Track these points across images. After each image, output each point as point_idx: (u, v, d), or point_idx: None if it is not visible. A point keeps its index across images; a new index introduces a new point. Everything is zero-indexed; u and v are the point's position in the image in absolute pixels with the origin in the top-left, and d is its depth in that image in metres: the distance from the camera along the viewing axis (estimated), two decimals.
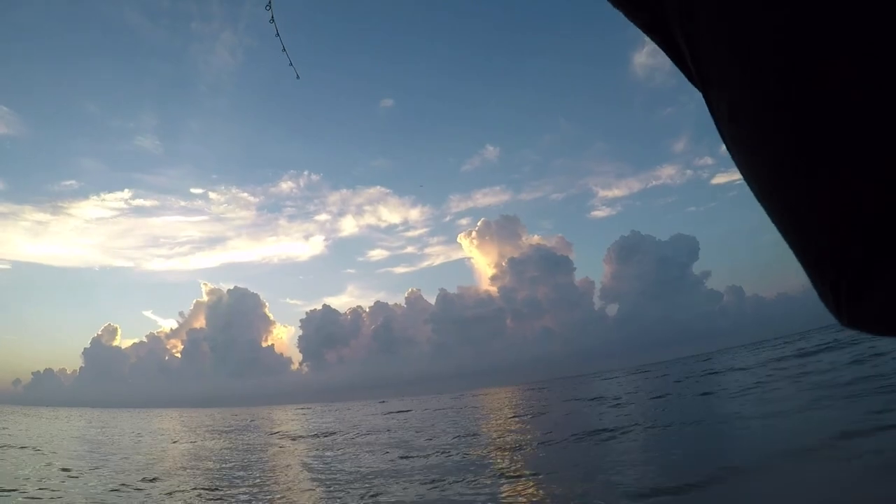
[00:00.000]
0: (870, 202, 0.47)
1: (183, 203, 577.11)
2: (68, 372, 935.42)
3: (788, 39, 0.49)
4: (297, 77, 3.24)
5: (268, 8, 2.56)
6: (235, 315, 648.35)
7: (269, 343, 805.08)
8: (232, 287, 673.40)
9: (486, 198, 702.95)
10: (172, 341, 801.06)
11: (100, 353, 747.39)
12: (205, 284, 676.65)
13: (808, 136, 0.50)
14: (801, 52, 0.48)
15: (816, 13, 0.46)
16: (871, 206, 0.47)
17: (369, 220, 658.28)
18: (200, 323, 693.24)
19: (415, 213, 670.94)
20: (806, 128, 0.50)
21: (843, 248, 0.52)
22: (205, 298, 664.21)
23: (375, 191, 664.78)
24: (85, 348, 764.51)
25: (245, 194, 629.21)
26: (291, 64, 3.17)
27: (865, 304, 0.53)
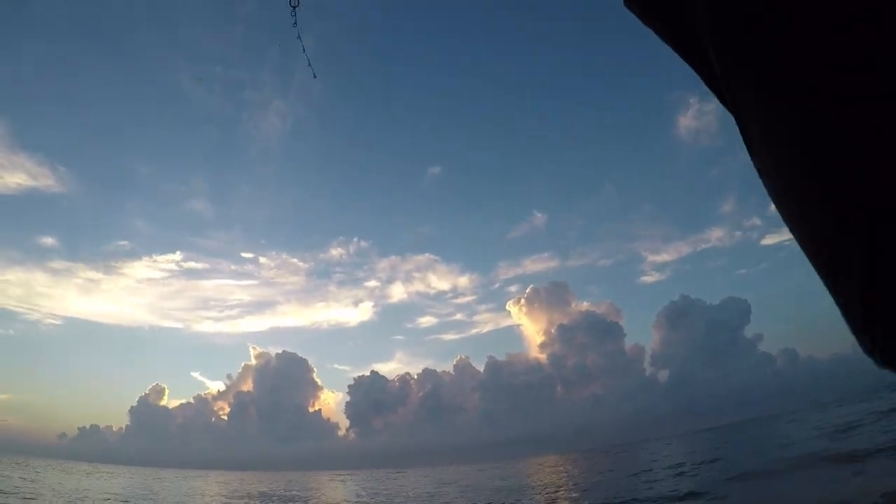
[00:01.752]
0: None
1: (233, 267, 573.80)
2: (114, 429, 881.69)
3: (815, 77, 0.50)
4: (315, 77, 3.32)
5: (293, 14, 2.65)
6: (283, 379, 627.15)
7: (317, 408, 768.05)
8: (280, 351, 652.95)
9: (534, 264, 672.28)
10: (219, 403, 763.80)
11: (146, 411, 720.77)
12: (253, 348, 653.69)
13: (832, 176, 0.50)
14: (829, 89, 0.49)
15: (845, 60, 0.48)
16: None
17: (418, 286, 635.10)
18: (248, 386, 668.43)
19: (463, 280, 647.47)
20: (830, 170, 0.50)
21: (871, 282, 0.51)
22: (253, 362, 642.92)
23: (424, 258, 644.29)
24: (132, 406, 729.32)
25: (295, 260, 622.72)
26: (310, 64, 3.29)
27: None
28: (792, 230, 0.62)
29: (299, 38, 2.91)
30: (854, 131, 0.49)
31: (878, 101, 0.48)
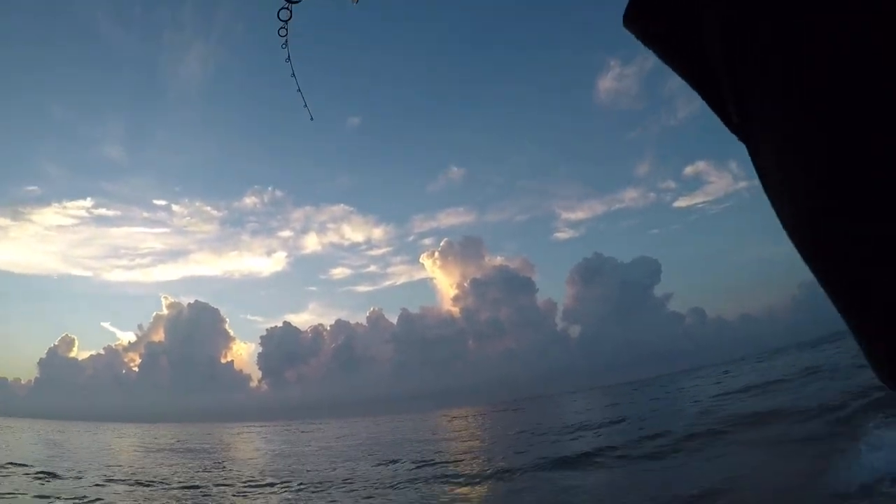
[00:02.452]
0: None
1: (146, 214, 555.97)
2: (23, 382, 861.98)
3: (835, 115, 0.48)
4: (311, 119, 2.85)
5: (284, 46, 2.28)
6: (195, 330, 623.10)
7: (229, 359, 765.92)
8: (192, 301, 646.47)
9: (449, 218, 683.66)
10: (130, 354, 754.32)
11: (56, 363, 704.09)
12: (165, 298, 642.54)
13: (859, 209, 0.49)
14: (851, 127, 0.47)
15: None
16: None
17: (332, 237, 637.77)
18: (159, 337, 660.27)
19: (378, 232, 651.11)
20: (856, 200, 0.49)
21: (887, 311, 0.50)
22: (164, 312, 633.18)
23: (339, 209, 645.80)
24: (41, 358, 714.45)
25: (208, 208, 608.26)
26: (306, 105, 2.79)
27: None
28: (805, 257, 0.58)
29: (293, 75, 2.52)
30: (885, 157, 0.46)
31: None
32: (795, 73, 0.51)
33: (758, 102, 0.58)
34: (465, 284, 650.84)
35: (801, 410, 16.33)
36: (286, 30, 2.15)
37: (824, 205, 0.52)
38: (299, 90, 2.79)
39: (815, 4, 0.49)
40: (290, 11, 2.08)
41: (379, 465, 20.16)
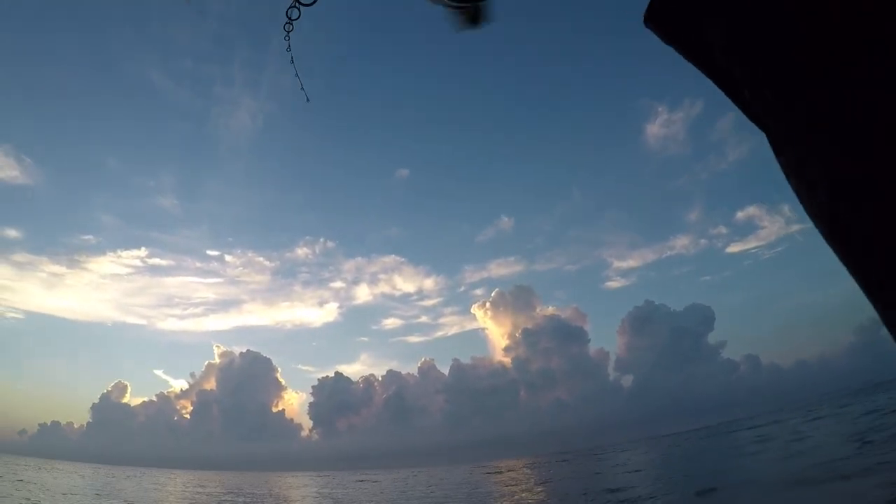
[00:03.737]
0: None
1: (199, 264, 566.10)
2: (76, 426, 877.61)
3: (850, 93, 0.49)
4: (308, 100, 3.12)
5: (286, 38, 2.57)
6: (247, 378, 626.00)
7: (280, 408, 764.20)
8: (244, 350, 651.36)
9: (500, 268, 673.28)
10: (182, 402, 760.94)
11: (108, 408, 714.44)
12: (217, 347, 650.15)
13: (874, 192, 0.50)
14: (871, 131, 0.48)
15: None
16: None
17: (383, 288, 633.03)
18: (211, 385, 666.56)
19: (429, 283, 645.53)
20: (870, 188, 0.50)
21: None
22: (217, 361, 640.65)
23: (390, 260, 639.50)
24: (94, 403, 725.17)
25: (261, 258, 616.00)
26: (303, 88, 3.07)
27: None
28: (831, 244, 0.61)
29: (292, 62, 2.81)
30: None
31: None
32: (801, 63, 0.54)
33: (771, 94, 0.60)
34: (517, 334, 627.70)
35: None
36: (291, 25, 2.36)
37: (842, 192, 0.55)
38: (297, 75, 3.03)
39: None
40: (300, 11, 2.26)
41: None
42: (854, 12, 0.50)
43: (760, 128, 0.67)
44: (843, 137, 0.52)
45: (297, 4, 2.25)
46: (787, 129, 0.59)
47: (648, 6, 0.75)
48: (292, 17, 2.31)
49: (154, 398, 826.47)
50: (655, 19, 0.75)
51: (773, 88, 0.58)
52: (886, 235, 0.51)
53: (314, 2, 2.24)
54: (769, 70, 0.58)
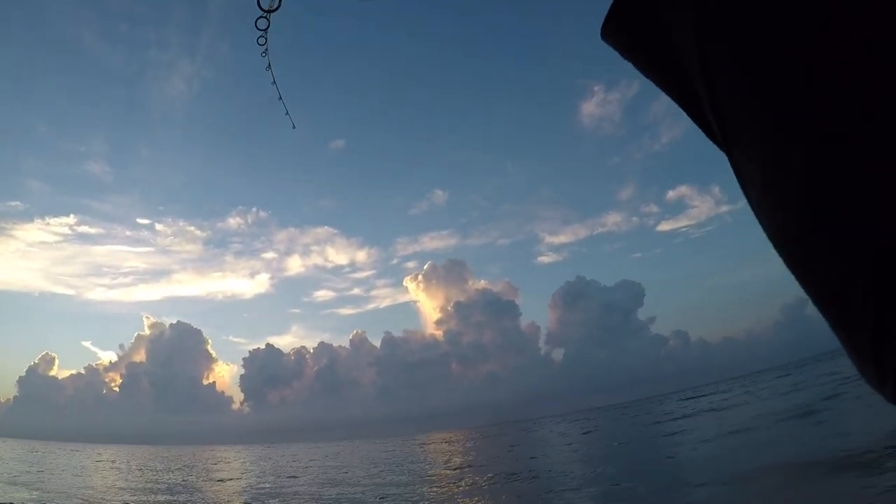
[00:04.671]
0: None
1: (129, 233, 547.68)
2: (1, 400, 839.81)
3: (822, 115, 0.48)
4: (294, 127, 2.87)
5: (264, 55, 2.41)
6: (177, 350, 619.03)
7: (211, 381, 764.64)
8: (174, 321, 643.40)
9: (433, 241, 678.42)
10: (111, 374, 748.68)
11: (35, 382, 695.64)
12: (147, 318, 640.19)
13: (839, 219, 0.48)
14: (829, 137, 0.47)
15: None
16: None
17: (316, 259, 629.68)
18: (141, 357, 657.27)
19: (361, 255, 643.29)
20: (835, 213, 0.48)
21: (879, 320, 0.49)
22: (146, 332, 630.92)
23: (323, 231, 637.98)
24: (20, 377, 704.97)
25: (192, 228, 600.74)
26: (287, 114, 2.88)
27: None
28: (793, 272, 0.57)
29: (274, 83, 2.58)
30: (868, 171, 0.45)
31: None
32: (768, 83, 0.52)
33: (735, 112, 0.59)
34: (449, 308, 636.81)
35: None
36: (265, 38, 2.19)
37: (804, 212, 0.53)
38: (280, 98, 2.82)
39: (782, 19, 0.50)
40: (268, 20, 2.10)
41: None
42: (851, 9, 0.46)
43: (720, 146, 0.65)
44: (816, 150, 0.49)
45: (264, 14, 2.09)
46: (750, 139, 0.57)
47: (605, 20, 0.73)
48: (262, 28, 2.15)
49: (83, 371, 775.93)
50: (612, 33, 0.74)
51: (748, 102, 0.56)
52: (855, 258, 0.50)
53: (278, 7, 2.09)
54: (735, 80, 0.56)
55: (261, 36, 2.17)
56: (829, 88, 0.47)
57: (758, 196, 0.58)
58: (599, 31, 0.74)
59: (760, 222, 0.61)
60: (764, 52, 0.51)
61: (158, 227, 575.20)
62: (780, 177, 0.54)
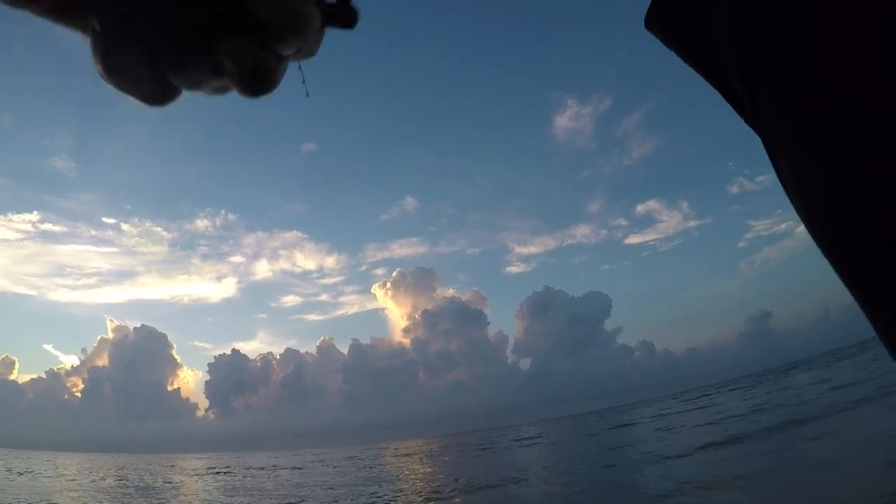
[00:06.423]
0: None
1: (94, 232, 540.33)
2: None
3: (847, 97, 0.47)
4: (307, 95, 1.77)
5: (300, 69, 1.05)
6: (141, 355, 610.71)
7: (175, 386, 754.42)
8: (139, 325, 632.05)
9: (402, 249, 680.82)
10: (73, 379, 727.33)
11: None
12: (111, 321, 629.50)
13: (861, 200, 0.48)
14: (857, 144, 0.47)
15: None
16: None
17: (284, 264, 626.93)
18: (104, 361, 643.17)
19: (330, 261, 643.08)
20: (860, 194, 0.48)
21: None
22: (110, 335, 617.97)
23: (292, 235, 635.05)
24: None
25: (159, 228, 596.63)
26: (304, 81, 1.26)
27: None
28: (821, 248, 0.57)
29: (303, 82, 1.50)
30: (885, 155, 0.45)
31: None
32: (798, 67, 0.53)
33: (766, 96, 0.60)
34: (417, 316, 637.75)
35: None
36: (301, 72, 2.90)
37: (833, 197, 0.53)
38: (300, 68, 3.44)
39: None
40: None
41: None
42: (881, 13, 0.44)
43: (756, 132, 0.66)
44: (846, 146, 0.48)
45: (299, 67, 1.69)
46: (789, 132, 0.57)
47: (649, 8, 0.74)
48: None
49: (43, 375, 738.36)
50: (657, 21, 0.75)
51: (776, 90, 0.56)
52: (883, 247, 0.49)
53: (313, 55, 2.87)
54: (774, 70, 0.56)
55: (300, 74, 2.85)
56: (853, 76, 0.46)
57: (787, 177, 0.60)
58: (643, 20, 0.78)
59: (791, 201, 0.63)
60: (787, 39, 0.53)
61: (124, 226, 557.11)
62: (806, 160, 0.55)
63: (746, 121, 0.68)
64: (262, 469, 42.39)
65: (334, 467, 39.49)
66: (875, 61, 0.44)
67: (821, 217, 0.56)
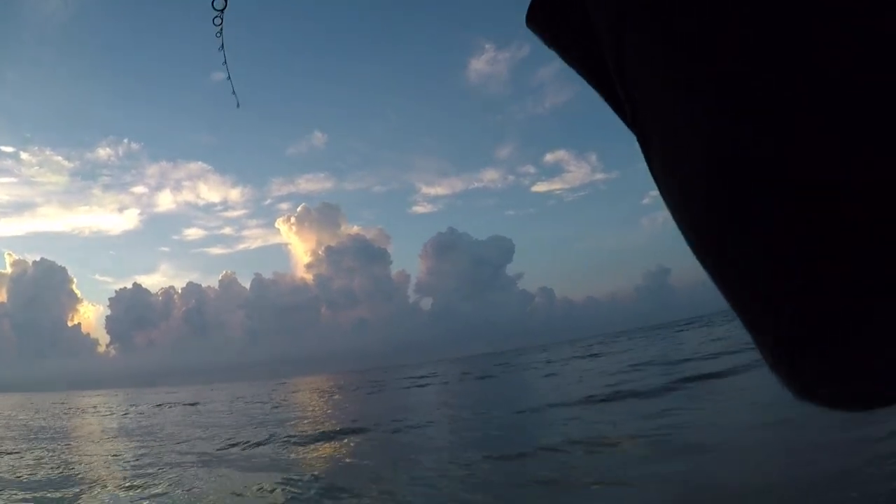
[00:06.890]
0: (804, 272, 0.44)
1: None
2: None
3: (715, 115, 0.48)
4: (238, 106, 2.76)
5: (218, 34, 2.28)
6: (40, 290, 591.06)
7: (76, 322, 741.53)
8: (38, 259, 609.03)
9: (308, 184, 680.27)
10: None
11: None
12: (9, 255, 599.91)
13: (742, 212, 0.48)
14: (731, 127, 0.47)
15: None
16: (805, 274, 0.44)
17: (187, 196, 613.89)
18: (1, 297, 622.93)
19: (235, 194, 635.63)
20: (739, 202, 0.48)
21: (779, 313, 0.48)
22: (8, 270, 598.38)
23: (196, 166, 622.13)
24: None
25: (59, 158, 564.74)
26: (234, 93, 2.74)
27: (810, 373, 0.48)
28: (692, 249, 0.56)
29: (225, 63, 2.51)
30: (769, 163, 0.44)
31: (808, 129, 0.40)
32: (675, 67, 0.52)
33: (643, 99, 0.59)
34: (321, 252, 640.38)
35: None
36: (221, 19, 2.06)
37: (705, 199, 0.53)
38: (229, 78, 2.72)
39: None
40: (226, 1, 2.01)
41: None
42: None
43: (635, 134, 0.62)
44: (709, 151, 0.47)
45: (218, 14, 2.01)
46: (662, 128, 0.55)
47: (530, 6, 0.68)
48: (219, 8, 2.04)
49: None
50: (538, 20, 0.69)
51: (652, 93, 0.55)
52: (763, 254, 0.47)
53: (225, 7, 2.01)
54: (651, 73, 0.54)
55: (217, 16, 2.06)
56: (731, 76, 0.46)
57: (661, 178, 0.59)
58: (524, 17, 0.69)
59: (664, 200, 0.59)
60: (664, 39, 0.52)
61: (23, 155, 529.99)
62: (680, 161, 0.55)
63: (625, 122, 0.68)
64: (160, 406, 40.55)
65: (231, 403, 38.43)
66: (741, 69, 0.45)
67: (699, 221, 0.57)
